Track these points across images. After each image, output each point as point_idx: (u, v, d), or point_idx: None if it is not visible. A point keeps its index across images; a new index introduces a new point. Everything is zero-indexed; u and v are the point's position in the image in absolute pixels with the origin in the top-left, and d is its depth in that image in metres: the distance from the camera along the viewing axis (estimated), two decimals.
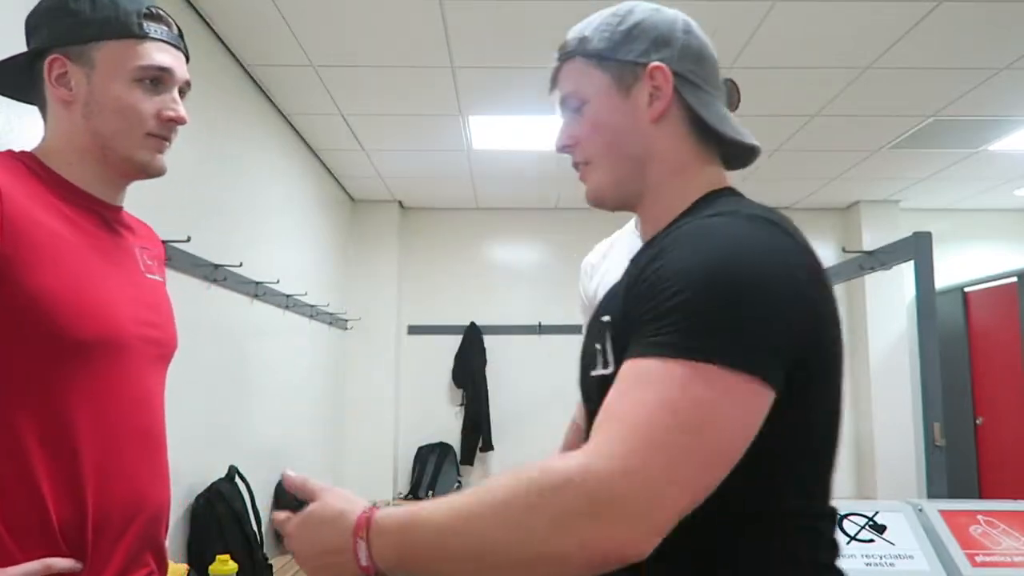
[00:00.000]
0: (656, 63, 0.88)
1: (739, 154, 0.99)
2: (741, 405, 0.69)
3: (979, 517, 2.12)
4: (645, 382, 0.69)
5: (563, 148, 0.95)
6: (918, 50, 3.21)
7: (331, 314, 4.91)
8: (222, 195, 3.21)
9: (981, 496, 4.96)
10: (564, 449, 1.22)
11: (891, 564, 1.99)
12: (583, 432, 0.85)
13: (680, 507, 0.66)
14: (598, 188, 0.93)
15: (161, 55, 1.06)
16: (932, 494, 2.48)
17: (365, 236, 5.68)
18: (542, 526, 0.65)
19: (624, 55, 0.89)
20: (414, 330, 5.80)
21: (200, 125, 2.79)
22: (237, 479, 3.06)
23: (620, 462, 0.65)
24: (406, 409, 5.74)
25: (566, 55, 0.93)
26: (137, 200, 1.08)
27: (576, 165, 0.95)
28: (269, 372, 3.80)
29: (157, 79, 1.06)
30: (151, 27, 1.06)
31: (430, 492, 5.47)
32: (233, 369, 3.33)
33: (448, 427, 5.69)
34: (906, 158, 4.67)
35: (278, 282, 3.70)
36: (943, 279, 3.77)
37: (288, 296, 3.96)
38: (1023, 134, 4.24)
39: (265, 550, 3.15)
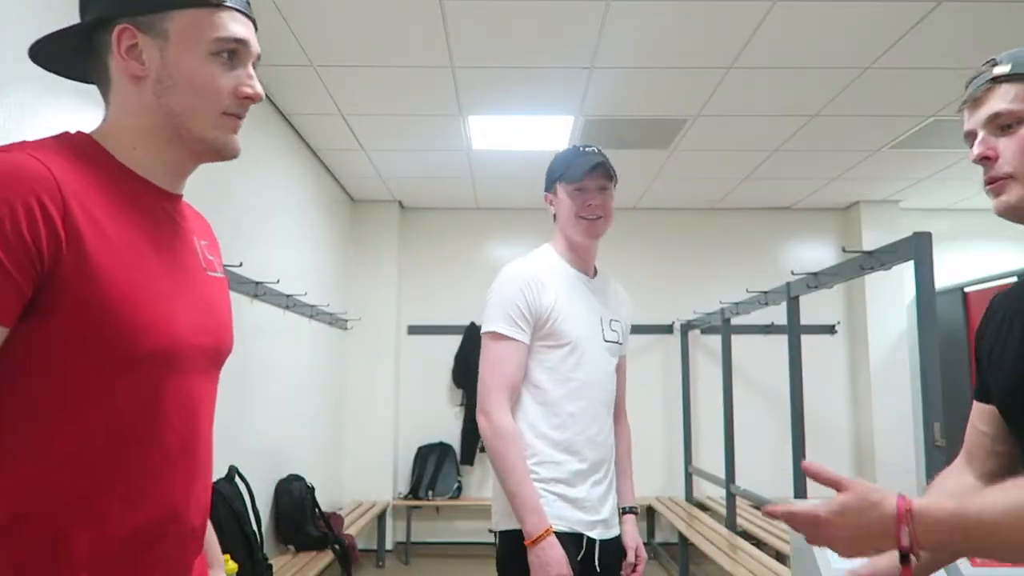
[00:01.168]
0: None
1: None
2: None
3: None
4: None
5: (983, 160, 1.06)
6: (918, 50, 3.21)
7: (331, 314, 4.92)
8: (222, 195, 3.21)
9: None
10: (966, 450, 1.24)
11: None
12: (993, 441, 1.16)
13: None
14: (1018, 201, 1.03)
15: (237, 25, 0.96)
16: None
17: (365, 236, 5.68)
18: None
19: None
20: (414, 330, 5.80)
21: None
22: (237, 479, 3.06)
23: None
24: (406, 409, 5.74)
25: (1005, 78, 1.04)
26: None
27: (991, 180, 1.05)
28: (269, 372, 3.80)
29: (233, 52, 0.96)
30: None
31: (430, 492, 5.47)
32: (233, 369, 3.32)
33: (448, 427, 5.69)
34: (906, 158, 4.67)
35: (278, 282, 3.70)
36: (943, 279, 3.77)
37: (288, 296, 3.96)
38: None
39: (265, 550, 3.15)
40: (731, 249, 5.92)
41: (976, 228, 5.89)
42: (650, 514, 5.64)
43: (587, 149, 1.87)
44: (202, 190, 3.00)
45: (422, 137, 4.35)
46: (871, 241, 5.26)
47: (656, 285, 5.86)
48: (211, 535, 1.17)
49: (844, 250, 3.28)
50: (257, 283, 3.48)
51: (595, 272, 1.93)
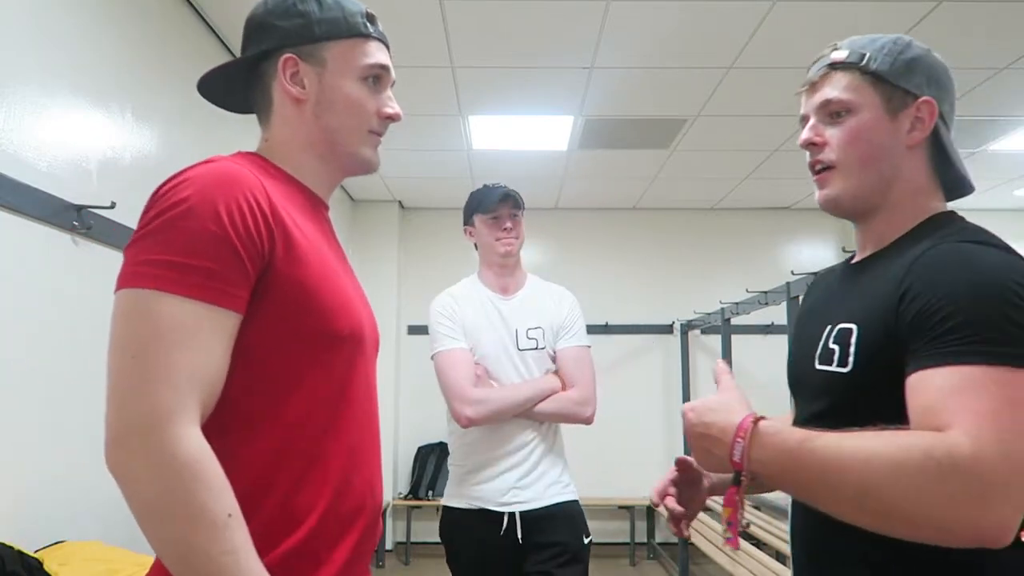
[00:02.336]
0: (927, 98, 1.00)
1: (954, 188, 1.07)
2: None
3: None
4: (980, 384, 0.80)
5: (809, 145, 1.05)
6: None
7: None
8: None
9: None
10: None
11: None
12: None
13: None
14: (840, 193, 1.03)
15: (382, 54, 1.10)
16: None
17: (365, 236, 5.68)
18: (936, 494, 0.76)
19: (903, 82, 1.00)
20: (414, 330, 5.80)
21: (200, 124, 2.79)
22: None
23: (1000, 447, 0.76)
24: (406, 409, 5.75)
25: (841, 65, 1.02)
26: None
27: (814, 165, 1.05)
28: None
29: (378, 77, 1.09)
30: (371, 26, 1.11)
31: (430, 492, 5.48)
32: None
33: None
34: None
35: None
36: None
37: None
38: (1023, 134, 4.24)
39: None
40: (731, 249, 5.92)
41: None
42: (650, 514, 5.64)
43: (496, 185, 2.18)
44: None
45: (422, 137, 4.36)
46: None
47: (656, 285, 5.86)
48: None
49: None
50: None
51: (516, 288, 2.18)
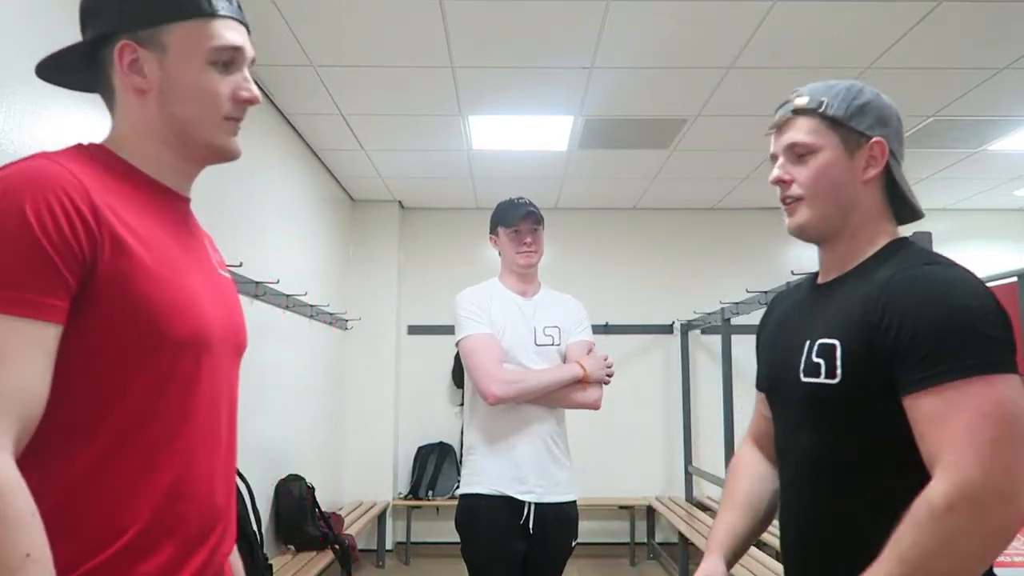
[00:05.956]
0: (878, 138, 1.14)
1: (905, 215, 1.21)
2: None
3: None
4: (956, 404, 0.95)
5: (779, 182, 1.19)
6: (918, 50, 3.21)
7: (331, 314, 4.91)
8: (222, 195, 3.21)
9: None
10: (753, 435, 1.41)
11: None
12: (764, 423, 1.32)
13: None
14: (807, 222, 1.17)
15: (232, 33, 1.00)
16: None
17: (365, 236, 5.68)
18: (956, 541, 0.92)
19: (856, 125, 1.14)
20: (414, 330, 5.80)
21: None
22: (237, 479, 3.06)
23: (979, 466, 0.91)
24: (406, 409, 5.74)
25: (803, 111, 1.16)
26: None
27: (785, 199, 1.19)
28: (269, 372, 3.80)
29: (230, 60, 1.00)
30: (218, 3, 0.99)
31: (430, 492, 5.48)
32: None
33: (448, 427, 5.69)
34: (906, 158, 4.66)
35: (278, 282, 3.70)
36: None
37: (288, 296, 3.96)
38: (1023, 134, 4.24)
39: (265, 550, 3.15)
40: (731, 249, 5.92)
41: (976, 228, 5.89)
42: (650, 514, 5.64)
43: (520, 201, 2.36)
44: (203, 190, 2.99)
45: (422, 137, 4.35)
46: None
47: (656, 285, 5.86)
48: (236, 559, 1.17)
49: None
50: (257, 283, 3.48)
51: (534, 293, 2.36)
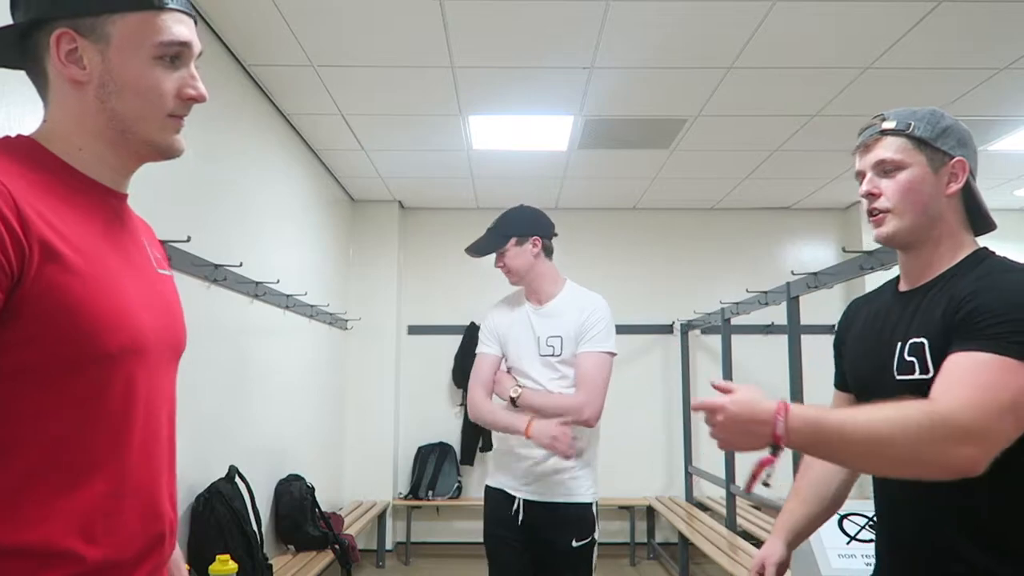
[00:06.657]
0: (960, 157, 1.27)
1: (981, 226, 1.35)
2: None
3: None
4: (984, 366, 1.09)
5: (869, 195, 1.30)
6: (918, 50, 3.20)
7: (331, 314, 4.91)
8: (222, 195, 3.21)
9: None
10: None
11: None
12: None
13: (1005, 441, 1.06)
14: (896, 231, 1.29)
15: (180, 27, 0.95)
16: None
17: (365, 236, 5.68)
18: (924, 439, 1.05)
19: (941, 145, 1.27)
20: (414, 330, 5.80)
21: (200, 125, 2.79)
22: (237, 479, 3.06)
23: (973, 406, 1.05)
24: (406, 409, 5.74)
25: (891, 132, 1.28)
26: (136, 200, 1.07)
27: (873, 211, 1.30)
28: (269, 372, 3.80)
29: (176, 55, 0.95)
30: None
31: (430, 492, 5.48)
32: (233, 369, 3.33)
33: (448, 427, 5.69)
34: None
35: (278, 282, 3.70)
36: None
37: (288, 296, 3.96)
38: (1023, 134, 4.24)
39: (265, 550, 3.15)
40: (731, 249, 5.92)
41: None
42: (650, 514, 5.64)
43: (489, 228, 2.58)
44: (202, 190, 3.01)
45: (422, 137, 4.35)
46: (871, 241, 5.25)
47: (656, 285, 5.86)
48: (177, 554, 1.18)
49: (844, 250, 3.29)
50: (257, 283, 3.48)
51: (548, 299, 2.42)
